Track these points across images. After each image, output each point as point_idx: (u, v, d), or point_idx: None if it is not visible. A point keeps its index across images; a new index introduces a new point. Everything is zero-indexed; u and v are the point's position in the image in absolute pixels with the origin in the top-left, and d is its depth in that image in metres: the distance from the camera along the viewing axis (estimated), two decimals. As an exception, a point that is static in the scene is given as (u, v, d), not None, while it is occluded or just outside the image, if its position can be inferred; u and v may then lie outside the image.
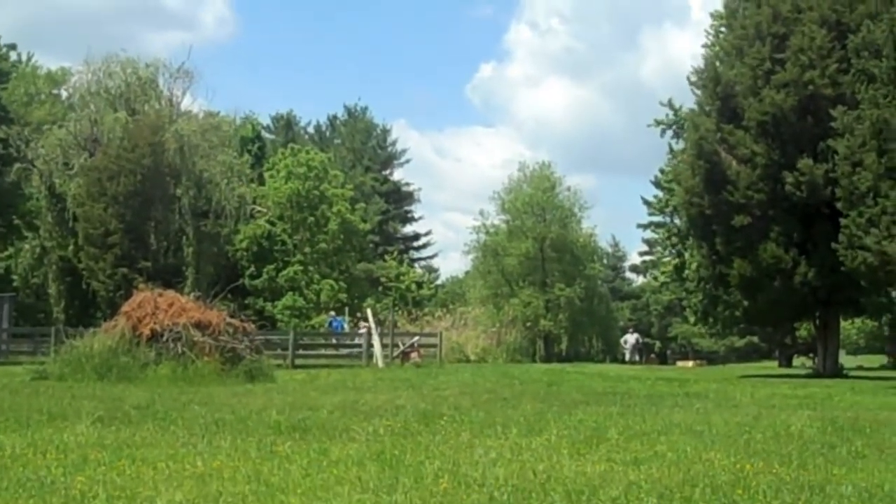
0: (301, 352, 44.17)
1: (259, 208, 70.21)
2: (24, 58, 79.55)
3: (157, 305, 30.44)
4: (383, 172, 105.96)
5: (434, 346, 47.53)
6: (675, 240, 61.76)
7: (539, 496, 9.64)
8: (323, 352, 47.30)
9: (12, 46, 77.75)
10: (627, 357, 64.51)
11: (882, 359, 69.76)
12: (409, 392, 24.68)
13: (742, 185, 39.97)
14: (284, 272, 69.64)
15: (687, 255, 57.59)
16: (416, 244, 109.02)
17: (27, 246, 69.86)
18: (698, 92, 45.09)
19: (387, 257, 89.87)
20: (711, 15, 54.31)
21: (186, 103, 68.75)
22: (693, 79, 45.99)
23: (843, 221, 36.35)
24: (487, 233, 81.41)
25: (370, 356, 43.20)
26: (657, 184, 66.81)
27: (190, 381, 27.26)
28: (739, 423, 16.59)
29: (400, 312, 66.25)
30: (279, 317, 66.45)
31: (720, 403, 21.97)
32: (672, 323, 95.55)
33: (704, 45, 50.02)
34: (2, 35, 75.11)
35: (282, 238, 71.44)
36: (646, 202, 69.44)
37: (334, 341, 50.73)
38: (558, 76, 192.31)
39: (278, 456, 12.16)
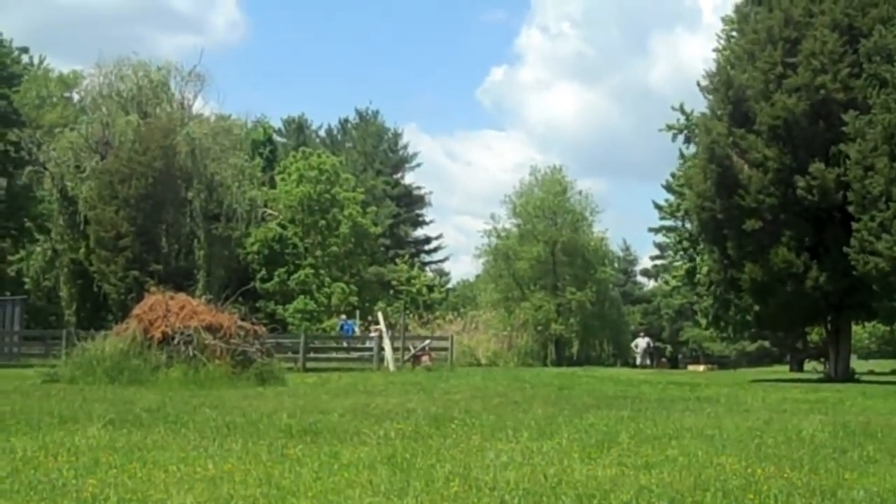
0: (312, 355, 44.23)
1: (270, 211, 70.24)
2: (35, 61, 79.90)
3: (169, 308, 30.47)
4: (394, 176, 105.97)
5: (445, 349, 47.53)
6: (686, 244, 61.65)
7: (550, 500, 9.64)
8: (334, 355, 47.41)
9: (24, 49, 78.02)
10: (638, 361, 64.49)
11: (893, 363, 69.72)
12: (420, 395, 24.70)
13: (754, 189, 39.93)
14: (296, 275, 69.64)
15: (698, 259, 57.47)
16: (427, 248, 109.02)
17: (39, 249, 70.04)
18: (709, 97, 45.08)
19: (398, 261, 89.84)
20: (723, 20, 54.25)
21: (198, 106, 68.98)
22: (704, 83, 45.95)
23: (854, 226, 36.36)
24: (499, 236, 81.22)
25: (381, 359, 43.23)
26: (668, 188, 66.65)
27: (201, 384, 27.31)
28: (751, 428, 16.58)
29: (411, 316, 66.25)
30: (290, 320, 66.45)
31: (731, 408, 21.96)
32: (683, 327, 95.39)
33: (716, 50, 50.04)
34: (14, 38, 75.11)
35: (293, 241, 71.44)
36: (657, 206, 69.25)
37: (345, 344, 50.84)
38: (569, 80, 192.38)
39: (289, 459, 12.17)
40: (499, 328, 71.24)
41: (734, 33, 48.70)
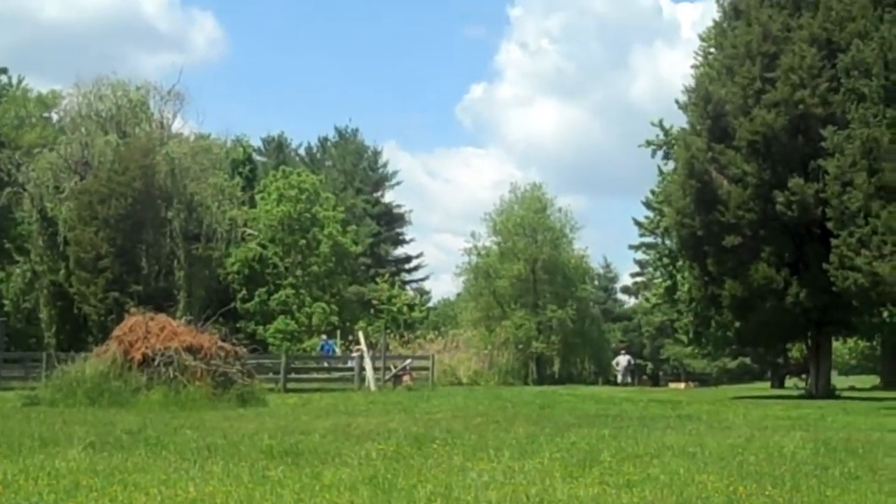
0: (293, 375, 44.04)
1: (250, 231, 70.17)
2: (14, 81, 79.66)
3: (149, 330, 30.38)
4: (374, 194, 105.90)
5: (426, 369, 47.39)
6: (666, 261, 61.69)
7: (532, 520, 9.63)
8: (315, 375, 47.20)
9: (3, 70, 77.91)
10: (619, 379, 64.54)
11: (874, 379, 69.83)
12: (402, 415, 24.66)
13: (733, 204, 40.06)
14: (276, 295, 69.63)
15: (678, 276, 57.53)
16: (407, 266, 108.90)
17: (18, 270, 69.77)
18: (688, 113, 45.27)
19: (378, 280, 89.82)
20: (700, 37, 54.44)
21: (177, 126, 68.91)
22: (683, 100, 46.16)
23: (833, 242, 36.46)
24: (479, 254, 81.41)
25: (362, 380, 43.14)
26: (648, 204, 66.82)
27: (181, 405, 27.21)
28: (732, 445, 16.58)
29: (392, 335, 66.12)
30: (271, 340, 66.39)
31: (713, 425, 21.97)
32: (664, 344, 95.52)
33: (694, 66, 50.16)
34: (-8, 60, 75.32)
35: (273, 261, 71.44)
36: (637, 223, 69.40)
37: (326, 365, 50.70)
38: (549, 96, 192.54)
39: (270, 481, 12.12)
40: (480, 347, 71.12)
41: (712, 49, 48.86)
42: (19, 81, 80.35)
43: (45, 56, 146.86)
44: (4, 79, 78.16)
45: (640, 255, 79.43)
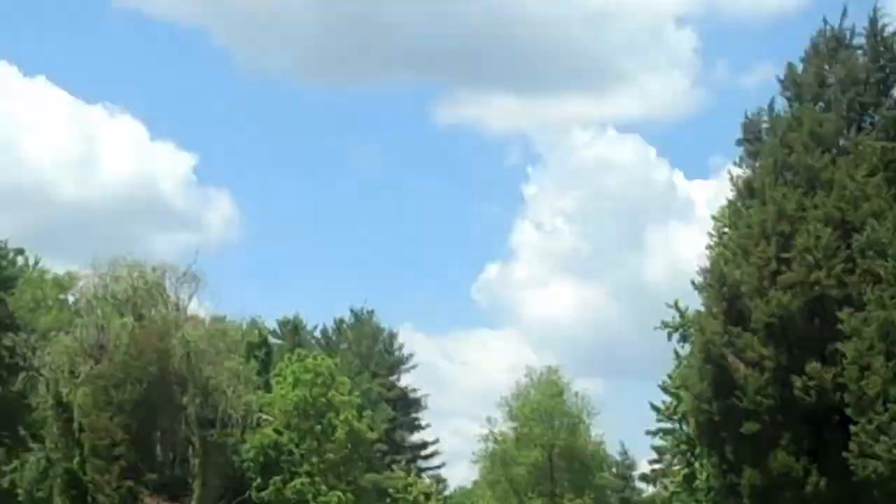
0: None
1: (266, 416, 69.76)
2: (30, 262, 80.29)
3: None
4: (390, 378, 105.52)
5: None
6: (684, 447, 61.03)
7: None
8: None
9: (20, 251, 78.37)
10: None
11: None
12: None
13: (750, 389, 39.69)
14: (291, 484, 68.80)
15: (696, 463, 56.85)
16: (423, 453, 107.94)
17: (32, 458, 69.13)
18: (703, 294, 45.17)
19: (395, 467, 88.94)
20: (713, 217, 54.63)
21: (193, 307, 69.00)
22: (698, 281, 46.12)
23: (853, 428, 36.04)
24: (495, 441, 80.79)
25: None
26: (665, 389, 66.34)
27: None
28: None
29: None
30: (288, 533, 65.53)
31: None
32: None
33: (709, 247, 50.27)
34: (9, 239, 75.64)
35: (289, 447, 70.83)
36: (654, 408, 68.73)
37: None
38: (563, 276, 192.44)
39: None
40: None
41: (726, 229, 48.96)
42: (35, 262, 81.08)
43: (61, 236, 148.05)
44: (21, 260, 78.72)
45: (657, 441, 78.59)
